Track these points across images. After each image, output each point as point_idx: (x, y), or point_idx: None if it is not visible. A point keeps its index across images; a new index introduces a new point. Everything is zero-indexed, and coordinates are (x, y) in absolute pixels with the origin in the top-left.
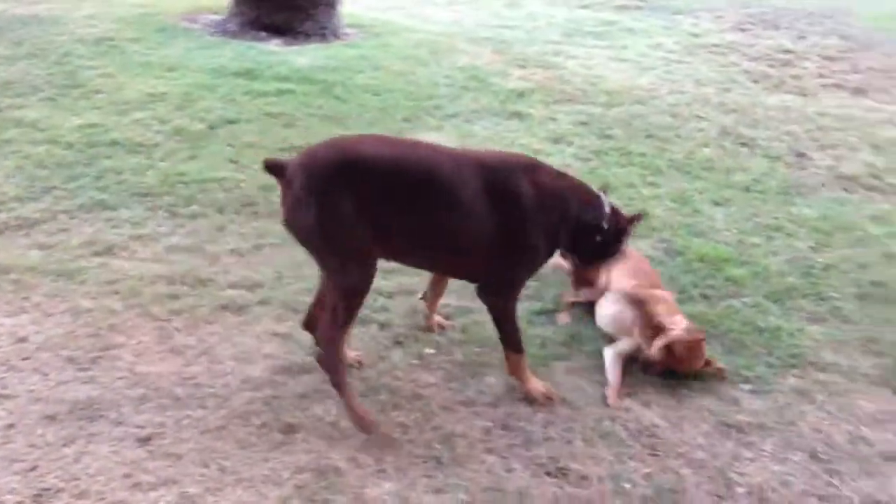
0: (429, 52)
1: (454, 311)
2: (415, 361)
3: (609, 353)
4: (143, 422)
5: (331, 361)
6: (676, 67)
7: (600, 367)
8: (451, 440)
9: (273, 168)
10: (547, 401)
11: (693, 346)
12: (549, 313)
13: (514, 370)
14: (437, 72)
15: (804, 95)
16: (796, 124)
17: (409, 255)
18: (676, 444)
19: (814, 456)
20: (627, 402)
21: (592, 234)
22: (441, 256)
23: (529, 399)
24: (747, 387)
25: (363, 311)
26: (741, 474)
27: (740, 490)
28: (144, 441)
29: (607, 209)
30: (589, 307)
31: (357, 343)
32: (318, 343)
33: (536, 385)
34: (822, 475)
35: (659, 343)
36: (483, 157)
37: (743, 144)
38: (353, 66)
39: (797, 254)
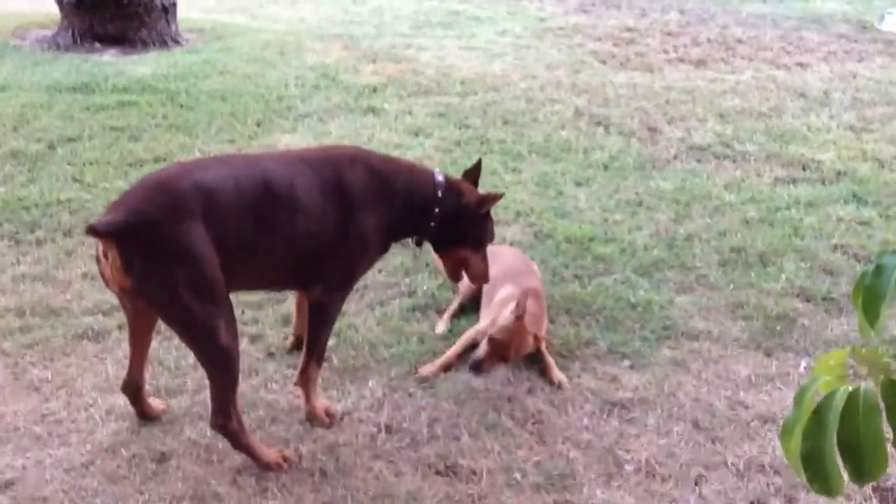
0: (276, 52)
1: None
2: (290, 372)
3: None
4: (2, 466)
5: (234, 429)
6: (526, 52)
7: None
8: (336, 450)
9: (103, 231)
10: (329, 419)
11: (514, 331)
12: (423, 309)
13: (307, 382)
14: (286, 72)
15: (650, 71)
16: (645, 100)
17: (254, 281)
18: (563, 428)
19: (696, 425)
20: (511, 391)
21: (426, 216)
22: (288, 268)
23: (311, 417)
24: (625, 363)
25: None
26: (628, 451)
27: (629, 467)
28: (5, 487)
29: (440, 190)
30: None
31: None
32: (214, 414)
33: (322, 403)
34: (705, 443)
35: (483, 344)
36: (307, 154)
37: (598, 124)
38: (198, 72)
39: (659, 227)
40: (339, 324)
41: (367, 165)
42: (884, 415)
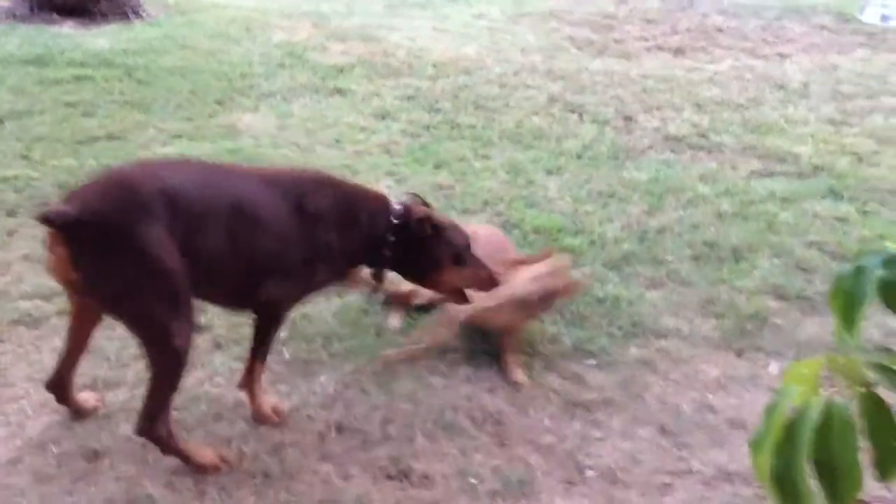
0: (241, 28)
1: None
2: (237, 365)
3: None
4: None
5: (161, 435)
6: (501, 36)
7: (440, 356)
8: (282, 451)
9: (53, 221)
10: (276, 418)
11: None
12: (382, 301)
13: (252, 383)
14: (250, 49)
15: (628, 59)
16: (622, 88)
17: (214, 296)
18: (524, 430)
19: (662, 430)
20: (470, 389)
21: (381, 245)
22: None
23: (258, 417)
24: (591, 361)
25: None
26: (590, 456)
27: (590, 473)
28: None
29: (395, 217)
30: None
31: None
32: (142, 418)
33: (269, 400)
34: (671, 449)
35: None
36: (274, 174)
37: (572, 111)
38: (158, 47)
39: (631, 219)
40: (293, 314)
41: (330, 190)
42: (861, 428)
